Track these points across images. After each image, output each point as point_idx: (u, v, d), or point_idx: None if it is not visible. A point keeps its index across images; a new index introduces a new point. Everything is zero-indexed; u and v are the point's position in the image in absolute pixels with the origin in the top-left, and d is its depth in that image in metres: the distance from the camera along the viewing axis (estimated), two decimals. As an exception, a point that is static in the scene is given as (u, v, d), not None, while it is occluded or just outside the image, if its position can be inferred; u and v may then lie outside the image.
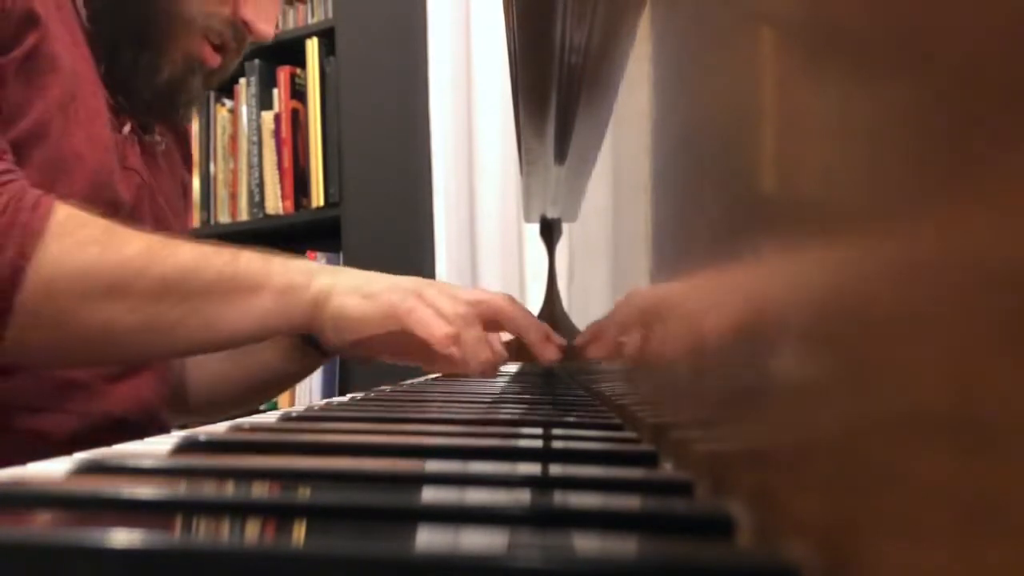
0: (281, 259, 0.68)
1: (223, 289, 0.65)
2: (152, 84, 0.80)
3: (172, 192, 0.90)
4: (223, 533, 0.18)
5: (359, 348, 0.76)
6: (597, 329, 0.61)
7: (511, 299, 0.74)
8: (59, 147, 0.71)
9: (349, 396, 0.62)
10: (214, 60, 0.82)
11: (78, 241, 0.61)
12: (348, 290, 0.68)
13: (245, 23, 0.81)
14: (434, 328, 0.66)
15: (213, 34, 0.80)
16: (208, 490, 0.22)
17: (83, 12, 0.78)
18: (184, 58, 0.80)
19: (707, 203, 0.25)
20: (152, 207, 0.83)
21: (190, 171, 0.99)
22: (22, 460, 0.25)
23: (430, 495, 0.23)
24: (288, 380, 0.98)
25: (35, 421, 0.71)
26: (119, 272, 0.62)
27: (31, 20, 0.70)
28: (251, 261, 0.67)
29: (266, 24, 0.82)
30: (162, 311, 0.63)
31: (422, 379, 0.94)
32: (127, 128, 0.81)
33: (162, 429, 0.84)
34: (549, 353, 0.73)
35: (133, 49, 0.79)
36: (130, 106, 0.82)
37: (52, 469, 0.24)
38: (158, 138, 0.86)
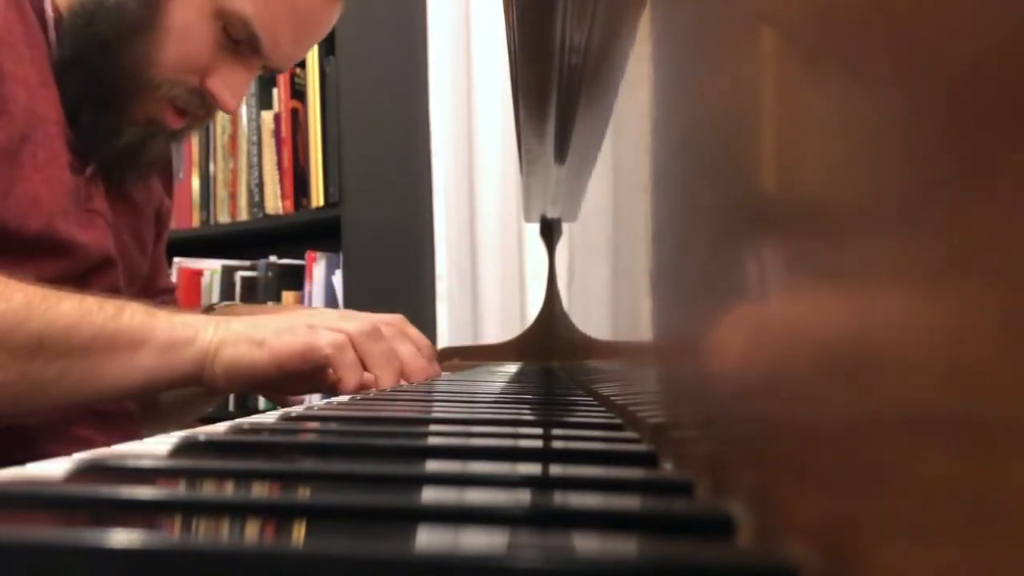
0: (166, 313, 0.68)
1: (103, 346, 0.64)
2: (111, 145, 0.79)
3: (144, 226, 0.89)
4: (223, 533, 0.18)
5: (256, 391, 0.77)
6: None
7: (404, 320, 0.76)
8: (16, 191, 0.70)
9: (349, 396, 0.62)
10: (177, 123, 0.81)
11: None
12: (235, 340, 0.67)
13: (211, 94, 0.79)
14: (348, 327, 0.67)
15: (178, 100, 0.79)
16: (208, 490, 0.22)
17: (55, 53, 0.77)
18: (146, 121, 0.79)
19: (707, 203, 0.25)
20: (119, 245, 0.82)
21: (171, 194, 0.98)
22: None
23: (430, 495, 0.23)
24: (197, 408, 0.98)
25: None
26: None
27: None
28: (134, 316, 0.65)
29: (232, 98, 0.80)
30: (35, 368, 0.62)
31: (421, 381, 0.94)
32: (89, 170, 0.79)
33: (133, 422, 0.84)
34: (423, 374, 0.74)
35: (95, 109, 0.78)
36: (93, 161, 0.81)
37: (52, 469, 0.24)
38: (131, 174, 0.85)
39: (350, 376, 0.68)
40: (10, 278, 0.63)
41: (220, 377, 0.66)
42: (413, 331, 0.77)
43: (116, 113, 0.78)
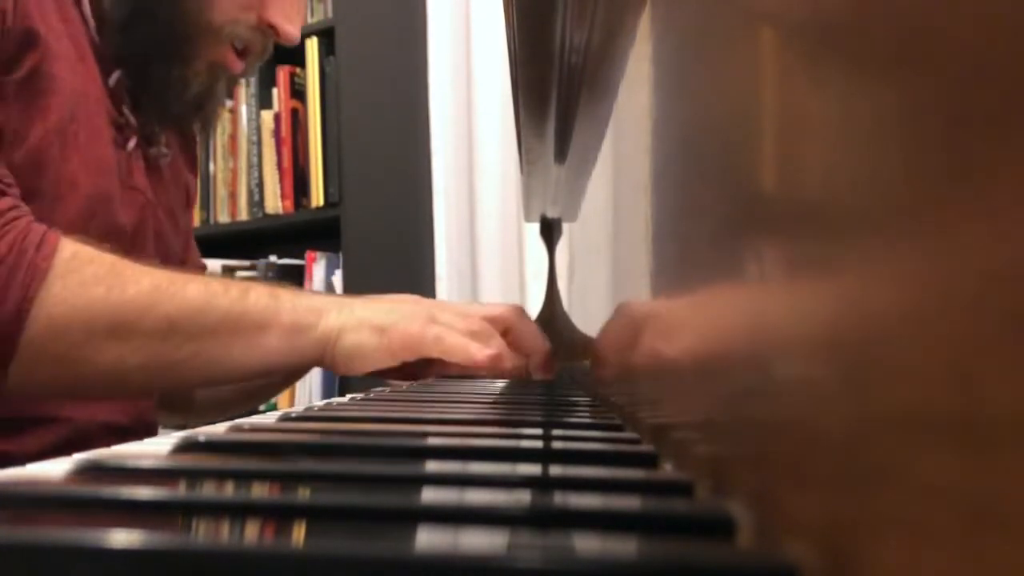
0: (290, 295, 0.68)
1: (230, 328, 0.64)
2: (181, 98, 0.80)
3: (176, 203, 0.90)
4: (223, 533, 0.18)
5: (371, 376, 0.77)
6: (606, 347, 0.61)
7: (521, 313, 0.74)
8: (55, 174, 0.70)
9: (349, 396, 0.63)
10: (238, 66, 0.82)
11: (83, 280, 0.61)
12: (358, 326, 0.68)
13: (271, 27, 0.80)
14: (472, 351, 0.66)
15: (238, 40, 0.80)
16: (208, 491, 0.22)
17: (91, 24, 0.77)
18: (209, 67, 0.80)
19: (707, 203, 0.25)
20: (154, 223, 0.83)
21: (195, 173, 0.99)
22: None
23: (430, 495, 0.23)
24: (285, 385, 0.98)
25: (15, 430, 0.71)
26: (124, 311, 0.61)
27: (30, 40, 0.69)
28: (259, 299, 0.66)
29: (292, 26, 0.81)
30: (167, 350, 0.63)
31: (431, 380, 0.94)
32: (132, 143, 0.80)
33: (149, 431, 0.84)
34: (543, 376, 0.73)
35: (162, 64, 0.79)
36: (157, 119, 0.81)
37: (52, 469, 0.24)
38: (164, 150, 0.86)
39: (460, 354, 0.67)
40: (136, 262, 0.64)
41: (341, 361, 0.67)
42: (524, 327, 0.74)
43: (183, 63, 0.79)
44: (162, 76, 0.79)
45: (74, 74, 0.73)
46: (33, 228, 0.61)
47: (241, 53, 0.81)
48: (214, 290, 0.65)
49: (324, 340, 0.67)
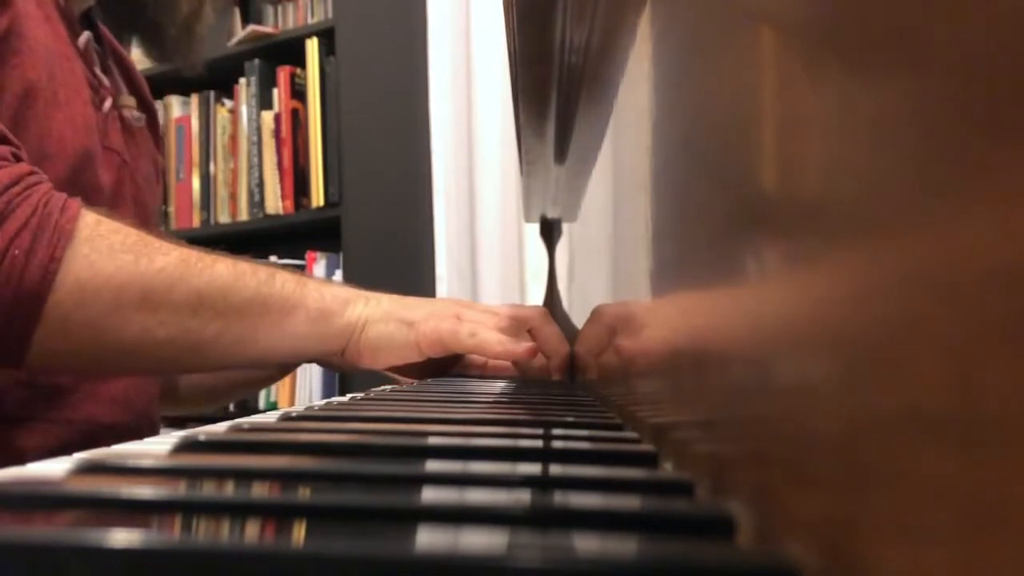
0: (316, 283, 0.68)
1: (258, 309, 0.64)
2: (175, 18, 0.80)
3: (148, 171, 0.89)
4: (223, 533, 0.18)
5: (391, 371, 0.76)
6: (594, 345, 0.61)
7: (546, 315, 0.74)
8: (40, 132, 0.69)
9: (349, 396, 0.62)
10: None
11: (110, 246, 0.59)
12: (385, 318, 0.67)
13: None
14: (509, 344, 0.66)
15: None
16: (208, 490, 0.22)
17: None
18: None
19: (707, 203, 0.25)
20: (132, 188, 0.82)
21: (160, 151, 0.98)
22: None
23: (430, 495, 0.23)
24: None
25: (13, 433, 0.70)
26: (153, 282, 0.60)
27: (2, 2, 0.68)
28: (286, 283, 0.65)
29: None
30: (195, 326, 0.61)
31: (431, 381, 0.94)
32: (108, 104, 0.79)
33: (152, 431, 0.83)
34: (560, 376, 0.73)
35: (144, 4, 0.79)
36: (155, 50, 0.82)
37: (52, 469, 0.24)
38: (136, 113, 0.85)
39: (498, 350, 0.67)
40: (162, 238, 0.63)
41: (365, 353, 0.67)
42: (549, 330, 0.74)
43: None
44: (148, 9, 0.79)
45: (46, 35, 0.72)
46: (54, 193, 0.60)
47: None
48: (242, 269, 0.64)
49: (349, 329, 0.66)
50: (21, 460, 0.25)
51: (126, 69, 0.90)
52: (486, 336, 0.67)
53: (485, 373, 0.73)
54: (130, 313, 0.59)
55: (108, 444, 0.34)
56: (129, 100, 0.85)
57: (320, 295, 0.66)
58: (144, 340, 0.60)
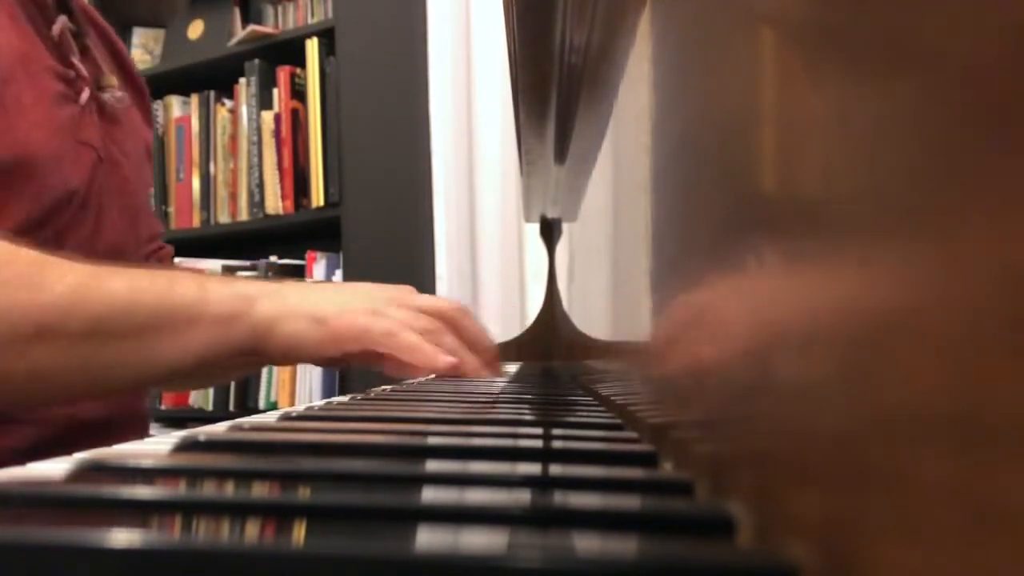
0: (218, 283, 0.65)
1: (160, 324, 0.61)
2: None
3: (135, 153, 0.87)
4: (223, 533, 0.18)
5: (314, 364, 0.74)
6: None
7: (466, 311, 0.72)
8: (7, 142, 0.67)
9: (349, 396, 0.62)
10: None
11: (3, 281, 0.57)
12: (294, 315, 0.65)
13: None
14: (430, 355, 0.64)
15: None
16: (208, 490, 0.22)
17: None
18: None
19: (707, 203, 0.25)
20: (116, 179, 0.80)
21: (150, 126, 0.96)
22: None
23: (430, 495, 0.23)
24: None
25: None
26: (47, 315, 0.57)
27: None
28: (187, 291, 0.63)
29: None
30: (95, 352, 0.59)
31: (422, 379, 0.94)
32: (85, 95, 0.77)
33: (138, 423, 0.82)
34: (490, 374, 0.72)
35: None
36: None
37: (52, 469, 0.24)
38: (119, 93, 0.83)
39: (418, 356, 0.65)
40: (59, 256, 0.60)
41: (276, 351, 0.65)
42: (470, 324, 0.72)
43: None
44: None
45: (5, 36, 0.70)
46: None
47: None
48: (140, 284, 0.62)
49: (256, 329, 0.64)
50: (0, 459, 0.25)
51: (109, 43, 0.88)
52: (404, 339, 0.65)
53: (406, 374, 0.70)
54: (25, 347, 0.57)
55: (89, 439, 0.33)
56: (112, 80, 0.83)
57: (220, 298, 0.64)
58: (42, 372, 0.58)
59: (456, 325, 0.70)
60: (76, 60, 0.78)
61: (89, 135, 0.77)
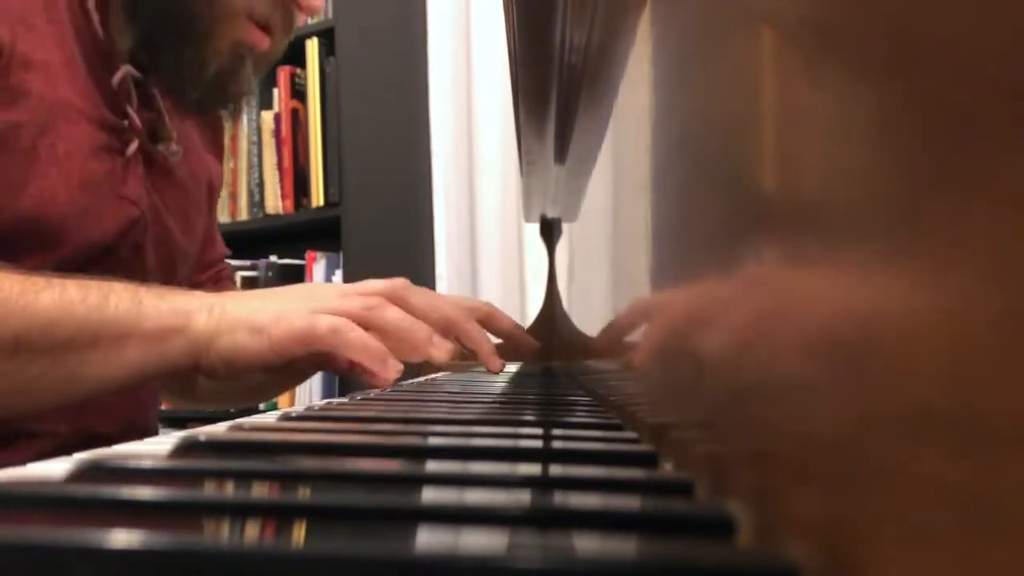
0: (155, 298, 0.62)
1: (86, 341, 0.59)
2: (198, 81, 0.76)
3: (190, 202, 0.86)
4: (223, 533, 0.18)
5: (261, 376, 0.71)
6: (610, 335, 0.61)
7: (408, 284, 0.69)
8: (23, 187, 0.67)
9: (349, 396, 0.62)
10: (263, 42, 0.77)
11: None
12: (232, 327, 0.62)
13: None
14: (373, 358, 0.62)
15: (260, 16, 0.76)
16: (208, 491, 0.22)
17: (95, 17, 0.73)
18: (232, 47, 0.76)
19: (707, 203, 0.25)
20: (156, 231, 0.79)
21: (220, 158, 0.95)
22: None
23: (430, 495, 0.23)
24: (291, 383, 0.93)
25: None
26: None
27: None
28: (120, 305, 0.60)
29: None
30: (16, 367, 0.57)
31: (422, 379, 0.94)
32: (132, 147, 0.76)
33: (145, 435, 0.82)
34: (432, 350, 0.68)
35: (174, 48, 0.74)
36: (176, 107, 0.77)
37: (52, 469, 0.24)
38: (175, 147, 0.82)
39: (366, 358, 0.63)
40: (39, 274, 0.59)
41: (220, 366, 0.62)
42: (416, 298, 0.69)
43: (198, 43, 0.74)
44: (175, 59, 0.75)
45: (51, 82, 0.69)
46: None
47: (266, 28, 0.77)
48: (70, 298, 0.59)
49: (195, 344, 0.62)
50: None
51: None
52: (351, 337, 0.62)
53: (361, 378, 0.67)
54: None
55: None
56: (171, 132, 0.81)
57: (158, 313, 0.61)
58: None
59: (398, 299, 0.67)
60: (132, 110, 0.76)
61: (130, 189, 0.76)
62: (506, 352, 0.82)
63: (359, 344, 0.62)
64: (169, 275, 0.83)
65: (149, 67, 0.77)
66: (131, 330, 0.60)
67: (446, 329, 0.70)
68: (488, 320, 0.78)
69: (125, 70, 0.76)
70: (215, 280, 0.97)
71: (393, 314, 0.66)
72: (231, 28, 0.75)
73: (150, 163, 0.79)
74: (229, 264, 1.01)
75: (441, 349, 0.67)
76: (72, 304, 0.59)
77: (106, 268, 0.73)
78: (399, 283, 0.69)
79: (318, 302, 0.65)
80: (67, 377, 0.59)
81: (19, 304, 0.57)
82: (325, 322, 0.62)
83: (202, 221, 0.91)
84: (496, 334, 0.82)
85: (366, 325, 0.64)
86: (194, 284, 0.90)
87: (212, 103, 0.79)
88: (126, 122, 0.76)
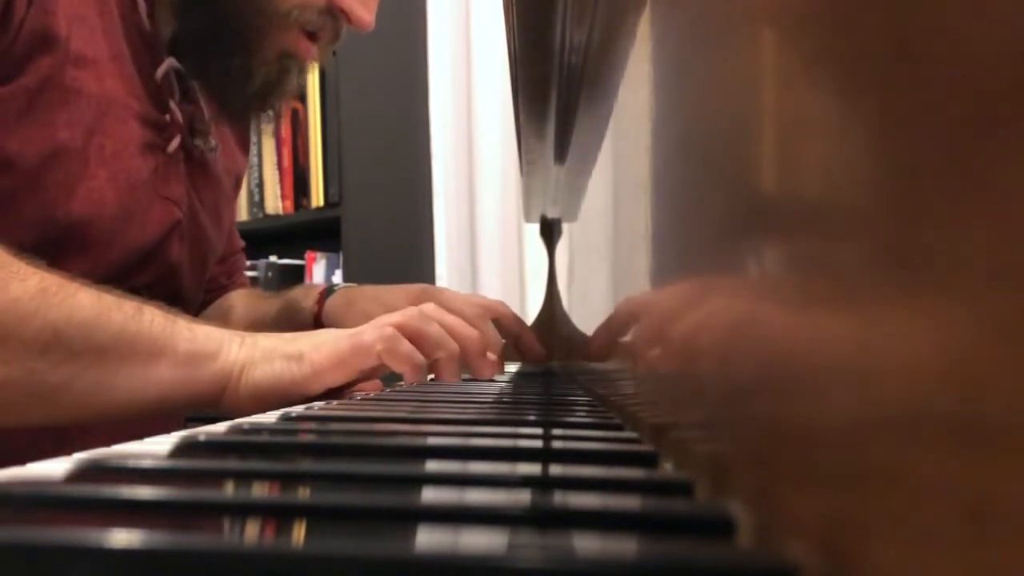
0: (186, 321, 0.59)
1: (122, 350, 0.55)
2: (244, 90, 0.74)
3: (222, 197, 0.85)
4: (223, 533, 0.18)
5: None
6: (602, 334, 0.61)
7: (426, 318, 0.67)
8: (73, 190, 0.65)
9: (349, 396, 0.62)
10: (310, 52, 0.76)
11: None
12: (266, 357, 0.59)
13: (343, 11, 0.75)
14: (414, 368, 0.63)
15: (309, 24, 0.75)
16: (208, 491, 0.22)
17: (142, 7, 0.71)
18: (279, 56, 0.75)
19: (707, 203, 0.25)
20: (192, 228, 0.78)
21: (247, 153, 0.94)
22: None
23: (430, 495, 0.23)
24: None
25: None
26: (4, 314, 0.51)
27: (47, 42, 0.62)
28: (155, 319, 0.57)
29: (366, 10, 0.76)
30: (45, 367, 0.52)
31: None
32: (174, 144, 0.74)
33: None
34: (490, 371, 0.71)
35: (223, 56, 0.73)
36: (223, 112, 0.77)
37: (52, 469, 0.24)
38: (213, 142, 0.80)
39: (408, 369, 0.62)
40: (23, 259, 0.54)
41: (245, 398, 0.58)
42: (451, 319, 0.68)
43: (247, 52, 0.73)
44: (222, 67, 0.74)
45: (100, 78, 0.67)
46: None
47: (312, 37, 0.76)
48: (107, 303, 0.55)
49: (224, 375, 0.58)
50: None
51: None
52: (398, 348, 0.61)
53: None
54: None
55: None
56: (208, 126, 0.79)
57: (192, 336, 0.58)
58: None
59: (413, 334, 0.65)
60: (175, 104, 0.75)
61: (172, 189, 0.74)
62: (511, 353, 0.83)
63: (405, 355, 0.62)
64: (201, 275, 0.82)
65: (195, 72, 0.75)
66: (164, 348, 0.57)
67: (478, 350, 0.70)
68: (499, 321, 0.79)
69: (169, 63, 0.74)
70: (229, 273, 0.96)
71: (433, 329, 0.65)
72: (281, 37, 0.74)
73: (189, 159, 0.78)
74: (243, 256, 1.00)
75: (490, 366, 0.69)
76: (109, 309, 0.55)
77: (145, 272, 0.72)
78: (420, 314, 0.67)
79: (353, 332, 0.63)
80: (91, 390, 0.54)
81: (59, 296, 0.53)
82: (371, 335, 0.61)
83: (229, 215, 0.90)
84: (504, 336, 0.83)
85: (410, 336, 0.63)
86: (210, 276, 0.89)
87: (254, 111, 0.78)
88: (168, 116, 0.74)
